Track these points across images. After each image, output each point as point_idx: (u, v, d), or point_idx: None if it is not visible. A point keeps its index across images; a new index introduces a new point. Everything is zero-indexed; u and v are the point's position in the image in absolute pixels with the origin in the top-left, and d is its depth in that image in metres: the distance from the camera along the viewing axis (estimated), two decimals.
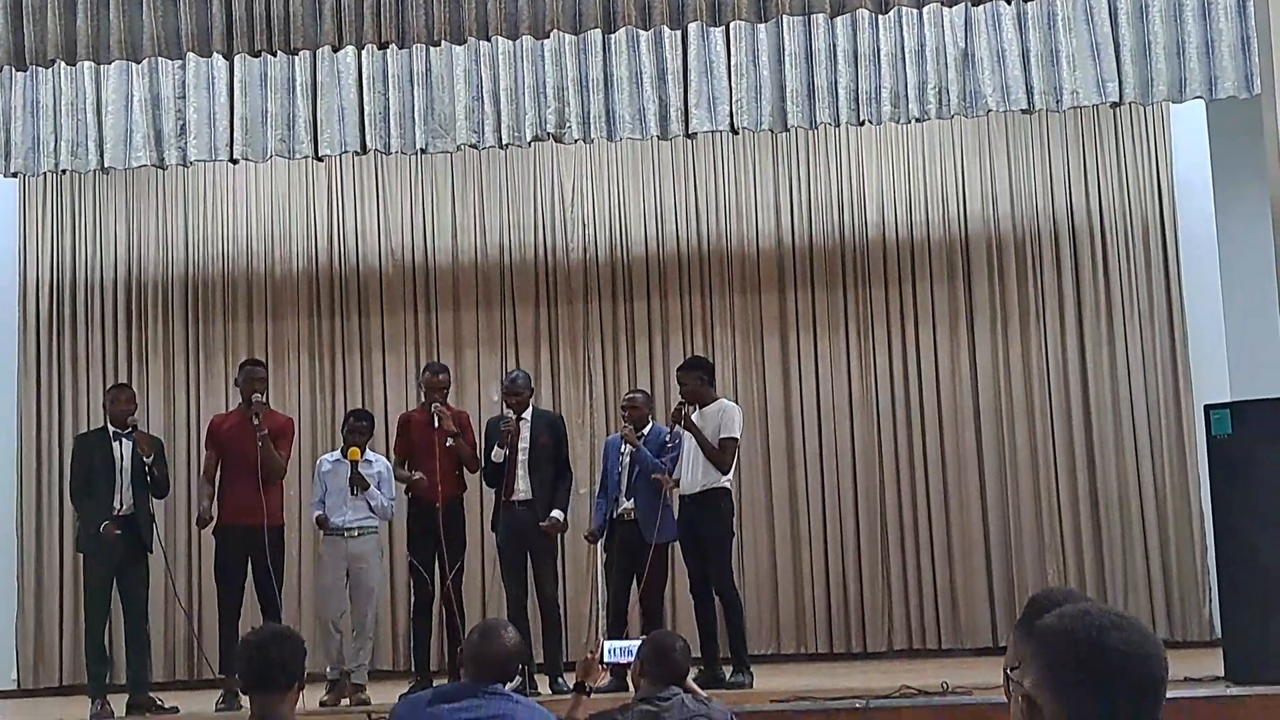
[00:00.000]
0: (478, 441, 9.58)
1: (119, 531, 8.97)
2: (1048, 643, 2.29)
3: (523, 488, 9.21)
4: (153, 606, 9.84)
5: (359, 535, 9.40)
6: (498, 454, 9.22)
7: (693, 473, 9.01)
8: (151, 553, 9.34)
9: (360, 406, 10.86)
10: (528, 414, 9.38)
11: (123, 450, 9.14)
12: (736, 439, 9.15)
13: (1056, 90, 9.05)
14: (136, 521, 9.13)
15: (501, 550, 9.42)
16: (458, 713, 5.13)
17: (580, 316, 11.71)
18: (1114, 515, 11.19)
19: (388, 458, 9.81)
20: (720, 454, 8.98)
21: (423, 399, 9.63)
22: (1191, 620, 10.95)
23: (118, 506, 9.04)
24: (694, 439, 8.96)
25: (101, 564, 9.05)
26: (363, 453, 9.47)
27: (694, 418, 9.01)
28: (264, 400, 9.37)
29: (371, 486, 9.40)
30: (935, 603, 11.28)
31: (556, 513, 9.34)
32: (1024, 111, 9.37)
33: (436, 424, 9.23)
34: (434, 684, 8.05)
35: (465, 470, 9.54)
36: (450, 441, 9.25)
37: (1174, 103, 9.63)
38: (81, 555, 9.40)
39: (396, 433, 9.83)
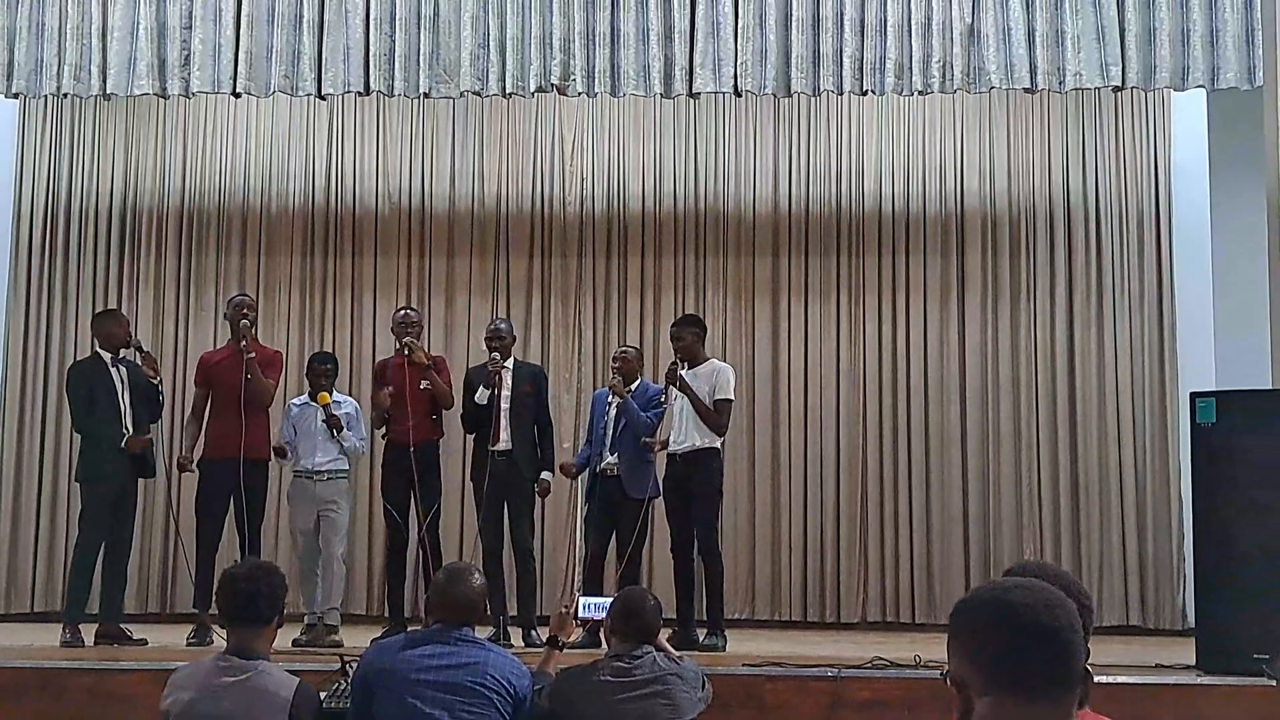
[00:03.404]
0: (454, 384, 9.54)
1: (149, 441, 9.06)
2: (959, 617, 2.34)
3: (504, 438, 9.18)
4: None
5: (328, 479, 9.39)
6: (482, 395, 9.17)
7: (684, 431, 9.02)
8: (154, 476, 9.39)
9: (336, 347, 10.99)
10: (509, 363, 9.36)
11: (121, 375, 9.12)
12: (731, 400, 9.17)
13: (1060, 71, 9.07)
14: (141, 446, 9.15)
15: (479, 501, 9.40)
16: (429, 658, 5.16)
17: (573, 270, 11.71)
18: (1093, 498, 11.23)
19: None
20: (716, 416, 9.00)
21: (397, 344, 9.49)
22: (1165, 608, 10.98)
23: (126, 432, 9.03)
24: (686, 398, 8.97)
25: (105, 490, 9.02)
26: (331, 394, 9.48)
27: (686, 376, 9.01)
28: (252, 326, 9.37)
29: (344, 428, 9.42)
30: (911, 576, 11.32)
31: (546, 475, 9.37)
32: (1026, 90, 9.38)
33: (407, 353, 9.22)
34: (408, 629, 8.06)
35: (442, 415, 9.51)
36: (425, 383, 9.23)
37: (1176, 90, 9.68)
38: (80, 484, 9.28)
39: (373, 378, 9.76)
